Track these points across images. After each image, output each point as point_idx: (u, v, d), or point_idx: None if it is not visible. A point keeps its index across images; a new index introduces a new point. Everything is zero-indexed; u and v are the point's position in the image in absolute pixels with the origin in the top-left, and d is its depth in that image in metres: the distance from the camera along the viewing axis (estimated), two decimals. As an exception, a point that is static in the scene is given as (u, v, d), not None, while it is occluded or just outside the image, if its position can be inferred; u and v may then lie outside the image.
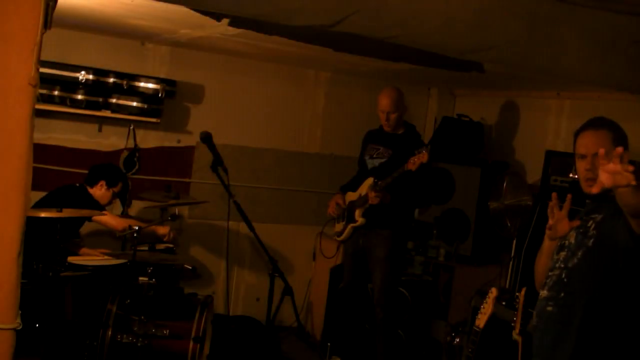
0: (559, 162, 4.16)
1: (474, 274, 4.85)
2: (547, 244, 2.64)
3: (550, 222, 2.54)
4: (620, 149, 1.98)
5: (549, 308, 2.50)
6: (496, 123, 5.56)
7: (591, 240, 2.42)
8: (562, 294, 2.46)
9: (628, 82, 3.14)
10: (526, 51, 2.85)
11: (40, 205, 4.08)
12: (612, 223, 2.35)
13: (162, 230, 4.55)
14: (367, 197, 4.22)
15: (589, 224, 2.47)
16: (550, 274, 2.54)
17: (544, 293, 2.55)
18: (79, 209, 4.06)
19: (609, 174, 1.98)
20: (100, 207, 4.40)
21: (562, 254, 2.52)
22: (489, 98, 5.65)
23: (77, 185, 4.41)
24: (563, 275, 2.48)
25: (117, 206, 4.98)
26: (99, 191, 4.39)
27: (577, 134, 2.52)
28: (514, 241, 4.40)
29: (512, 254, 4.41)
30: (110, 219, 4.40)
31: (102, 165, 4.52)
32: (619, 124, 2.50)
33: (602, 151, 2.03)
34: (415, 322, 4.87)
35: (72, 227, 4.33)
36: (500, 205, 4.51)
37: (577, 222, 2.50)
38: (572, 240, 2.50)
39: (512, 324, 3.14)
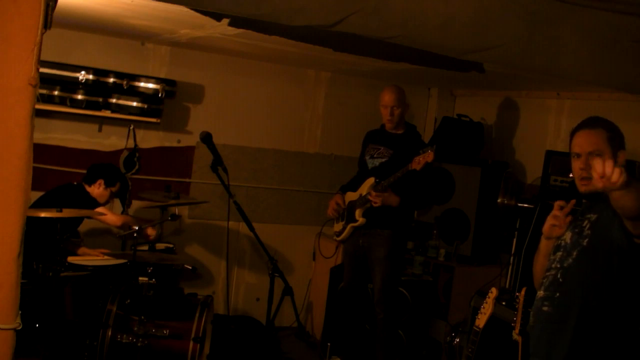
0: (559, 162, 4.16)
1: (474, 274, 4.85)
2: (543, 244, 2.65)
3: (552, 221, 2.55)
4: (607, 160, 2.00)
5: (545, 308, 2.50)
6: (496, 123, 5.56)
7: (586, 240, 2.42)
8: (558, 294, 2.47)
9: (628, 82, 3.13)
10: (526, 51, 2.84)
11: (38, 204, 4.08)
12: (607, 223, 2.35)
13: (151, 230, 4.52)
14: (367, 197, 4.22)
15: (585, 224, 2.47)
16: (546, 274, 2.54)
17: (540, 293, 2.56)
18: (78, 209, 4.06)
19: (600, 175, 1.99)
20: (96, 205, 4.39)
21: (559, 254, 2.52)
22: (489, 98, 5.65)
23: (75, 183, 4.40)
24: (558, 275, 2.48)
25: (118, 206, 4.98)
26: (97, 190, 4.38)
27: (572, 133, 2.52)
28: (514, 241, 4.41)
29: (512, 254, 4.41)
30: (109, 216, 4.39)
31: (101, 165, 4.51)
32: (614, 123, 2.50)
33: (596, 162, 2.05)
34: (415, 322, 4.87)
35: (71, 226, 4.33)
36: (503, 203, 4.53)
37: (569, 218, 2.53)
38: (568, 240, 2.50)
39: (512, 324, 3.14)
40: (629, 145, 2.52)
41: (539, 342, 2.53)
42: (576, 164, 2.46)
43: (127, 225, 4.38)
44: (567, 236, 2.52)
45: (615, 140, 2.43)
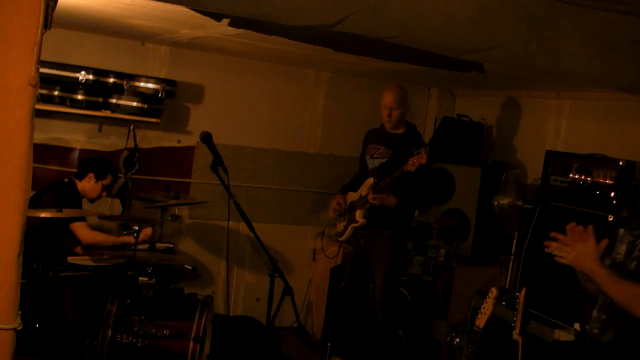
0: (559, 162, 4.15)
1: (474, 274, 4.85)
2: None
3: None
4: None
5: (595, 330, 2.34)
6: (496, 123, 5.56)
7: (634, 263, 2.19)
8: (604, 316, 2.30)
9: (628, 82, 3.14)
10: (526, 51, 2.85)
11: (30, 203, 4.03)
12: None
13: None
14: (367, 198, 4.23)
15: (637, 242, 2.20)
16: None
17: (594, 313, 2.36)
18: (78, 209, 4.05)
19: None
20: (79, 205, 4.32)
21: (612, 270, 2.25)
22: (489, 98, 5.65)
23: (66, 180, 4.38)
24: (608, 300, 2.24)
25: (117, 206, 4.98)
26: (88, 184, 4.35)
27: None
28: (514, 241, 4.41)
29: (512, 254, 4.40)
30: (80, 230, 4.23)
31: (91, 159, 4.51)
32: None
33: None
34: (415, 322, 4.87)
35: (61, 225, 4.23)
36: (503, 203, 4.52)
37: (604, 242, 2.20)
38: (622, 257, 2.24)
39: (512, 324, 3.14)
40: (630, 146, 2.48)
41: None
42: None
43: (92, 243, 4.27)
44: (622, 250, 2.25)
45: None
